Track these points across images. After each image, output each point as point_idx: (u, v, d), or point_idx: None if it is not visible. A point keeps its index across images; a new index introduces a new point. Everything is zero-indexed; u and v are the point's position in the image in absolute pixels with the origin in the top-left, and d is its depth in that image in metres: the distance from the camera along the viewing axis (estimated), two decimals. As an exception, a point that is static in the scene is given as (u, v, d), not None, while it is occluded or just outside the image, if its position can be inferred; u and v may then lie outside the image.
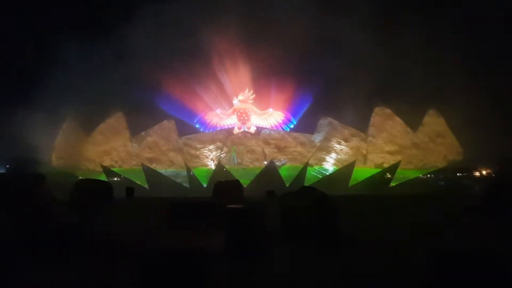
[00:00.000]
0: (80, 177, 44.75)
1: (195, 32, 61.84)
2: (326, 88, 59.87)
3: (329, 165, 57.08)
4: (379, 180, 54.38)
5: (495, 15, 55.88)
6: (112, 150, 58.52)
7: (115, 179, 54.52)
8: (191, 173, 57.10)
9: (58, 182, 34.16)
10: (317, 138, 59.32)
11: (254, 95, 65.96)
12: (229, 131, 64.09)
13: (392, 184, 54.86)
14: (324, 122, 59.46)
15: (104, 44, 58.98)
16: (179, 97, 62.91)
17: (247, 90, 65.64)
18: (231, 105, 67.31)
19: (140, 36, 61.44)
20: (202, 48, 63.44)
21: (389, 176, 55.98)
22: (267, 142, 58.95)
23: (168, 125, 60.09)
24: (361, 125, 59.11)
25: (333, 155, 57.37)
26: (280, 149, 58.11)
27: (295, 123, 66.69)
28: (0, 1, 63.05)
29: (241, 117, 66.35)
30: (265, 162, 56.63)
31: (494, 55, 53.54)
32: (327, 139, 58.24)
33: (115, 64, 57.95)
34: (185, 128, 63.59)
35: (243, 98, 65.81)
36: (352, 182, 53.82)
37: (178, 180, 56.29)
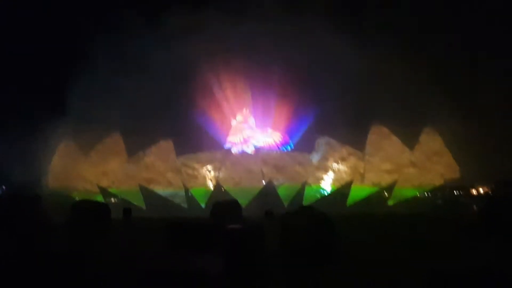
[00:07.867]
0: (77, 198, 44.43)
1: (192, 52, 62.55)
2: (324, 107, 60.32)
3: (327, 184, 57.03)
4: (376, 199, 54.25)
5: (492, 35, 56.82)
6: (109, 170, 58.21)
7: (112, 200, 54.13)
8: (189, 194, 56.75)
9: (54, 203, 33.94)
10: (315, 157, 59.37)
11: (252, 117, 66.32)
12: (227, 151, 64.12)
13: (390, 203, 54.73)
14: (322, 141, 59.62)
15: (101, 63, 59.59)
16: (177, 117, 63.15)
17: (244, 110, 66.02)
18: (229, 125, 67.62)
19: (137, 57, 62.17)
20: (200, 69, 64.00)
21: (386, 195, 55.91)
22: (265, 162, 58.95)
23: (165, 145, 59.82)
24: (358, 144, 59.24)
25: (331, 174, 57.38)
26: (278, 168, 58.05)
27: (294, 143, 66.91)
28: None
29: (239, 137, 66.56)
30: (264, 182, 56.48)
31: (491, 74, 54.11)
32: (325, 158, 58.31)
33: (111, 83, 58.37)
34: (183, 147, 63.26)
35: (242, 119, 66.15)
36: (349, 201, 53.70)
37: (176, 201, 55.86)
